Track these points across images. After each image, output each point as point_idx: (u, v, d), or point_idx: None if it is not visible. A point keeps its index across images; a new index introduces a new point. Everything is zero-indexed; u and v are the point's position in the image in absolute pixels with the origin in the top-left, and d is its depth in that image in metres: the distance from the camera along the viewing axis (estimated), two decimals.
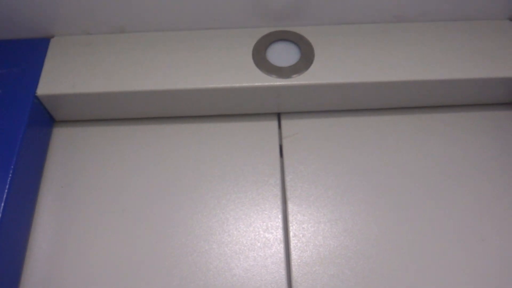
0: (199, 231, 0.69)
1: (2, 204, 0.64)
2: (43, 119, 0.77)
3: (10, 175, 0.66)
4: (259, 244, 0.68)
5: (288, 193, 0.71)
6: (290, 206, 0.70)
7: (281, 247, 0.68)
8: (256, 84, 0.72)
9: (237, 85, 0.72)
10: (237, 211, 0.71)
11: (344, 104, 0.77)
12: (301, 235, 0.68)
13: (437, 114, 0.78)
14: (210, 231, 0.69)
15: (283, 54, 0.75)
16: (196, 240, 0.68)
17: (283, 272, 0.66)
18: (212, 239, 0.69)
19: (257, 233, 0.69)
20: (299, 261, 0.66)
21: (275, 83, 0.72)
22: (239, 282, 0.65)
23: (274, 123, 0.78)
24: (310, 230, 0.68)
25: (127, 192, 0.73)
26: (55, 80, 0.74)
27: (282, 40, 0.77)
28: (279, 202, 0.71)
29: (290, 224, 0.69)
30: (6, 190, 0.65)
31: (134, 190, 0.73)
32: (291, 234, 0.68)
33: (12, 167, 0.67)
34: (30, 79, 0.74)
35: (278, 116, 0.79)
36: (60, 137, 0.79)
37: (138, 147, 0.77)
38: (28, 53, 0.77)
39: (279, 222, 0.69)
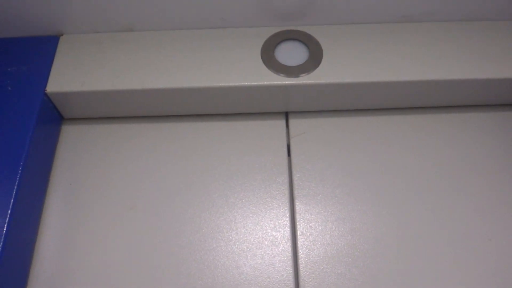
0: (206, 229, 0.69)
1: (12, 201, 0.65)
2: (52, 116, 0.77)
3: (20, 172, 0.67)
4: (266, 242, 0.68)
5: (296, 192, 0.72)
6: (297, 204, 0.71)
7: (288, 246, 0.68)
8: (265, 83, 0.73)
9: (246, 84, 0.73)
10: (245, 210, 0.71)
11: (351, 103, 0.78)
12: (308, 234, 0.68)
13: (445, 114, 0.78)
14: (218, 229, 0.69)
15: (291, 54, 0.76)
16: (204, 238, 0.69)
17: (290, 270, 0.66)
18: (219, 237, 0.69)
19: (264, 232, 0.69)
20: (306, 259, 0.66)
21: (284, 82, 0.72)
22: (246, 280, 0.66)
23: (282, 122, 0.78)
24: (318, 229, 0.69)
25: (135, 190, 0.73)
26: (64, 78, 0.74)
27: (290, 39, 0.77)
28: (286, 201, 0.71)
29: (297, 223, 0.69)
30: (15, 187, 0.66)
31: (142, 188, 0.73)
32: (298, 232, 0.68)
33: (21, 164, 0.67)
34: (40, 77, 0.74)
35: (286, 115, 0.79)
36: (69, 134, 0.79)
37: (147, 145, 0.77)
38: (38, 50, 0.77)
39: (286, 221, 0.70)
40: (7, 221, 0.63)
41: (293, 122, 0.78)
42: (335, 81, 0.72)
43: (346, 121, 0.78)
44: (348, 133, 0.77)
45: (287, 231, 0.69)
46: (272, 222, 0.70)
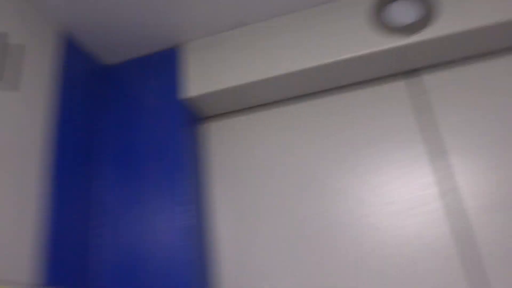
0: (358, 196, 0.72)
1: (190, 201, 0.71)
2: (191, 119, 0.82)
3: (185, 174, 0.74)
4: (429, 199, 0.70)
5: (447, 146, 0.72)
6: (451, 158, 0.71)
7: (452, 198, 0.69)
8: (382, 47, 0.73)
9: (366, 51, 0.74)
10: (392, 173, 0.73)
11: (476, 49, 0.76)
12: (469, 184, 0.69)
13: None
14: (373, 193, 0.72)
15: (404, 11, 0.75)
16: (359, 205, 0.72)
17: (461, 223, 0.67)
18: (375, 201, 0.72)
19: (421, 190, 0.70)
20: (474, 210, 0.68)
21: (399, 43, 0.73)
22: (408, 240, 0.68)
23: (416, 80, 0.78)
24: (477, 180, 0.69)
25: (283, 173, 0.77)
26: (195, 82, 0.79)
27: None
28: (440, 156, 0.72)
29: (456, 175, 0.70)
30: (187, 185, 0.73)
31: (289, 169, 0.77)
32: (460, 184, 0.69)
33: (182, 166, 0.74)
34: (173, 86, 0.80)
35: (411, 73, 0.79)
36: (209, 132, 0.84)
37: (283, 128, 0.81)
38: (166, 63, 0.83)
39: (442, 176, 0.71)
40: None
41: (425, 78, 0.78)
42: (456, 31, 0.71)
43: (476, 69, 0.76)
44: (482, 81, 0.75)
45: (448, 184, 0.70)
46: (427, 179, 0.71)
